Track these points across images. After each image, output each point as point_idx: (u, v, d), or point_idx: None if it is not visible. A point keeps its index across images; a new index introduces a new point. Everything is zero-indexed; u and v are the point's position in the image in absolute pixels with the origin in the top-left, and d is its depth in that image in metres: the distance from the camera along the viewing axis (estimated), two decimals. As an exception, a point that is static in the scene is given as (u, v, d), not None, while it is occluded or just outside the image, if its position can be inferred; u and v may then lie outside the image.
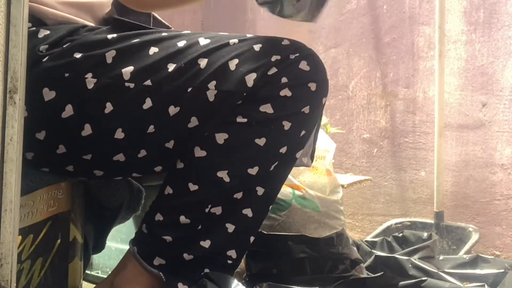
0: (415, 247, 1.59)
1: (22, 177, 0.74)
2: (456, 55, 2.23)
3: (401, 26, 2.37)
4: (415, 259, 1.43)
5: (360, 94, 2.48)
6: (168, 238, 0.97)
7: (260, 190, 0.97)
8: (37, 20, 0.98)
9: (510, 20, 2.12)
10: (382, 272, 1.27)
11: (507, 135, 2.12)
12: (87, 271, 1.42)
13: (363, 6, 2.46)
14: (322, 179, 1.45)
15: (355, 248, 1.42)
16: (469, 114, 2.21)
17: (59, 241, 1.02)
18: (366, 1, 2.46)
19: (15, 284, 0.72)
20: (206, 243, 0.97)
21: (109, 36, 0.96)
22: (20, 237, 0.91)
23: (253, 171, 0.95)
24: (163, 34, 0.97)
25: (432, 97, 2.24)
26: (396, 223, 2.10)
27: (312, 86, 0.95)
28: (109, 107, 0.92)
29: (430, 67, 2.27)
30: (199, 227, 0.97)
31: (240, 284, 0.94)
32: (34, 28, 0.95)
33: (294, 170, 1.35)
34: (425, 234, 1.73)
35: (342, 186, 1.58)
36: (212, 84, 0.92)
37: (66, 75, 0.92)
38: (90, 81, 0.91)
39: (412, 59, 2.34)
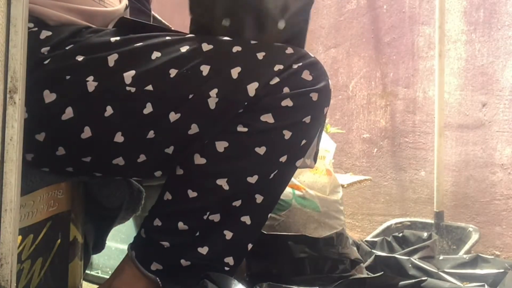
0: (415, 247, 1.59)
1: (22, 177, 0.74)
2: (456, 55, 2.23)
3: (401, 26, 2.37)
4: (415, 259, 1.42)
5: (360, 94, 2.47)
6: (165, 243, 0.97)
7: (259, 198, 0.97)
8: (39, 20, 0.97)
9: (510, 20, 2.12)
10: (382, 272, 1.27)
11: (507, 135, 2.12)
12: (87, 271, 1.42)
13: (363, 6, 2.46)
14: (322, 179, 1.45)
15: (355, 248, 1.42)
16: (469, 114, 2.20)
17: (59, 241, 1.02)
18: (366, 1, 2.46)
19: (15, 284, 0.72)
20: (203, 250, 0.97)
21: (112, 39, 0.95)
22: (20, 237, 0.91)
23: (253, 179, 0.95)
24: (167, 38, 0.96)
25: (432, 97, 2.24)
26: (396, 223, 2.10)
27: (314, 96, 0.95)
28: (109, 110, 0.91)
29: (430, 67, 2.27)
30: (197, 233, 0.97)
31: (240, 284, 0.94)
32: (36, 29, 0.95)
33: (294, 170, 1.35)
34: (425, 234, 1.73)
35: (342, 186, 1.58)
36: (213, 92, 0.91)
37: (67, 77, 0.91)
38: (91, 84, 0.91)
39: (412, 59, 2.34)
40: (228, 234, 0.98)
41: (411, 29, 2.34)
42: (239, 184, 0.95)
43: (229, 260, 0.99)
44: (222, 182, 0.94)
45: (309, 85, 0.94)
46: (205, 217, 0.96)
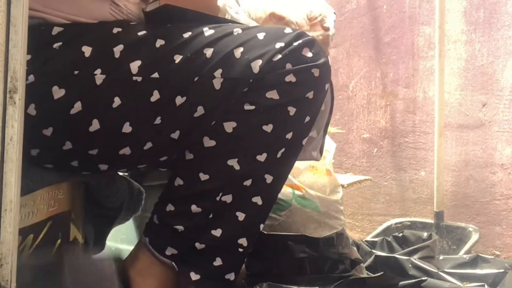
0: (415, 247, 1.59)
1: (22, 177, 0.74)
2: (456, 55, 2.23)
3: (401, 26, 2.37)
4: (415, 259, 1.42)
5: (360, 94, 2.47)
6: (180, 227, 0.98)
7: (268, 178, 0.99)
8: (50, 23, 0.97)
9: (510, 20, 2.12)
10: (382, 272, 1.27)
11: (507, 135, 2.12)
12: (87, 271, 1.42)
13: (363, 6, 2.46)
14: (322, 179, 1.45)
15: (355, 248, 1.42)
16: (469, 114, 2.20)
17: (59, 241, 1.02)
18: (366, 1, 2.46)
19: (15, 284, 0.72)
20: (217, 232, 0.99)
21: (115, 30, 0.96)
22: (20, 237, 0.91)
23: (262, 157, 0.97)
24: (168, 25, 0.98)
25: (432, 97, 2.23)
26: (396, 223, 2.10)
27: (316, 71, 0.97)
28: (117, 101, 0.92)
29: (430, 67, 2.27)
30: (210, 215, 0.98)
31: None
32: (45, 27, 0.95)
33: (294, 170, 1.35)
34: (425, 234, 1.73)
35: (342, 186, 1.58)
36: (218, 72, 0.93)
37: (76, 72, 0.92)
38: (99, 78, 0.92)
39: (412, 59, 2.34)
40: (241, 216, 0.99)
41: (411, 29, 2.34)
42: (249, 163, 0.97)
43: (243, 241, 1.01)
44: (233, 162, 0.96)
45: (310, 61, 0.97)
46: (218, 198, 0.98)
